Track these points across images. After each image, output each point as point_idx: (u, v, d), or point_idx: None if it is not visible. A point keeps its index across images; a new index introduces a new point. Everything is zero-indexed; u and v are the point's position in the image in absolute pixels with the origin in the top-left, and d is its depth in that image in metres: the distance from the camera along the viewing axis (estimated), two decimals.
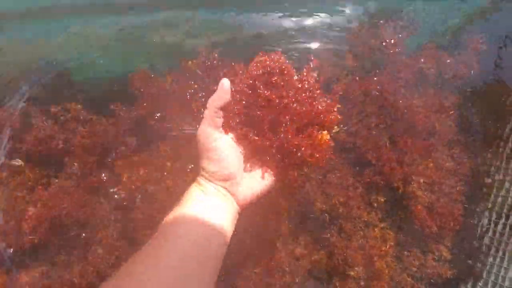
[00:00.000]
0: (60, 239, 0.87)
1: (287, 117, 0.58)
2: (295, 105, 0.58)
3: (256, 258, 0.88)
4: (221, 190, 0.57)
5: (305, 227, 0.90)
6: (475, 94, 0.97)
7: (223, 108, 0.58)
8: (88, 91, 1.00)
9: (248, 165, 0.61)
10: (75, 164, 0.89)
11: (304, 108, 0.58)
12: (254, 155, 0.61)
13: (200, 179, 0.59)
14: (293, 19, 1.10)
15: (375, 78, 0.98)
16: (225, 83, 0.57)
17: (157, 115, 0.97)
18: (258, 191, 0.60)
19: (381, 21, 1.04)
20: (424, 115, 0.95)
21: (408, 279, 0.89)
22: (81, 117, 0.96)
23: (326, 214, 0.90)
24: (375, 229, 0.89)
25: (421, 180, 0.90)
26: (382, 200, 0.90)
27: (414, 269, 0.89)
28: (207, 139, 0.57)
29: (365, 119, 0.94)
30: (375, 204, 0.90)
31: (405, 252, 0.90)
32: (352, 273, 0.86)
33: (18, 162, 0.89)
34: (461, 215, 0.89)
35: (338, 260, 0.86)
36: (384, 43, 1.03)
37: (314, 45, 1.05)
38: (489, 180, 0.91)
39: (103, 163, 0.92)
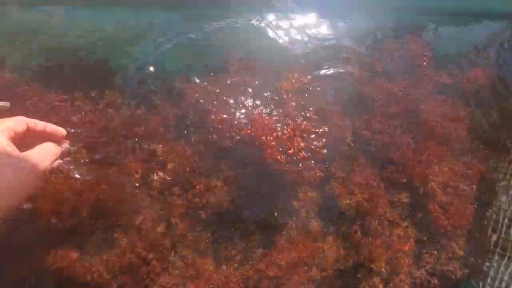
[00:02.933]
0: (97, 223, 0.86)
1: None
2: None
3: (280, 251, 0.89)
4: None
5: (332, 222, 0.92)
6: (489, 106, 1.06)
7: None
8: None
9: None
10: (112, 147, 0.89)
11: None
12: None
13: None
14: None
15: (401, 82, 1.04)
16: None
17: None
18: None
19: (407, 35, 1.13)
20: (441, 123, 1.03)
21: (424, 274, 0.94)
22: (120, 104, 0.98)
23: (352, 211, 0.93)
24: (398, 228, 0.93)
25: (438, 181, 0.96)
26: (405, 200, 0.95)
27: (430, 265, 0.94)
28: None
29: (389, 120, 0.99)
30: (398, 203, 0.94)
31: (422, 250, 0.95)
32: (375, 267, 0.89)
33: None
34: (472, 216, 0.96)
35: (364, 255, 0.89)
36: (409, 55, 1.10)
37: None
38: (500, 184, 0.99)
39: (140, 149, 0.92)
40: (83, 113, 0.95)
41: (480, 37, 1.17)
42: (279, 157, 0.94)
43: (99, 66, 1.07)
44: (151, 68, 1.08)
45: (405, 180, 0.94)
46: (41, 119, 0.67)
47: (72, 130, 0.88)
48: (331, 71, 1.06)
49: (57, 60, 1.06)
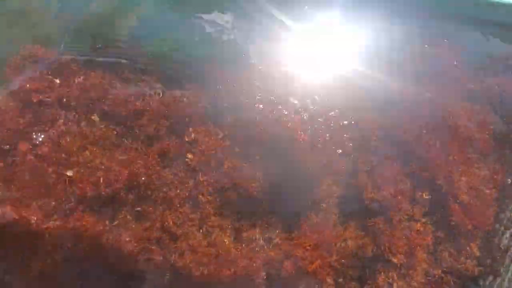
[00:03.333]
0: (130, 196, 0.88)
1: None
2: None
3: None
4: None
5: (354, 213, 0.95)
6: None
7: None
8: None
9: None
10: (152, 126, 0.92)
11: None
12: None
13: None
14: None
15: (430, 84, 1.06)
16: None
17: None
18: None
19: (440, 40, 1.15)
20: (467, 126, 1.05)
21: (440, 271, 0.96)
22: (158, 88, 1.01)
23: (376, 203, 0.95)
24: (418, 223, 0.96)
25: (461, 182, 0.99)
26: (427, 196, 0.97)
27: (446, 263, 0.97)
28: None
29: (416, 119, 1.01)
30: (420, 200, 0.97)
31: (440, 247, 0.97)
32: (395, 260, 0.91)
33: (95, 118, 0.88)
34: (493, 218, 0.98)
35: (384, 246, 0.92)
36: (438, 59, 1.13)
37: None
38: None
39: (175, 129, 0.96)
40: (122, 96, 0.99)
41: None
42: (307, 147, 0.97)
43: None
44: (186, 55, 1.12)
45: (429, 179, 0.97)
46: None
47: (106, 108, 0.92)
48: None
49: None
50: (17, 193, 0.80)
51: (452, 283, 0.94)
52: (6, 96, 0.86)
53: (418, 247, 0.93)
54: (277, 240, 0.90)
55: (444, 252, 0.97)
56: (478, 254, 0.97)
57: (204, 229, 0.90)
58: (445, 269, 0.96)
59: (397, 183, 0.97)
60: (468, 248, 0.98)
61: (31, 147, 0.84)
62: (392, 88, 1.07)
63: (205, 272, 0.83)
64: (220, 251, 0.87)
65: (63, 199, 0.83)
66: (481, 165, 1.01)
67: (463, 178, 0.99)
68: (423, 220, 0.96)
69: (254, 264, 0.87)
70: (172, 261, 0.85)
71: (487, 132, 1.05)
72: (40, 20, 1.09)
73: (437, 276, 0.95)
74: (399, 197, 0.95)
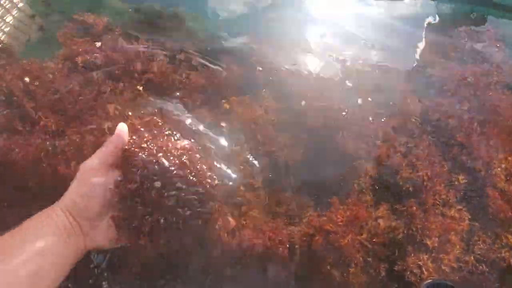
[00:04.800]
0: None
1: None
2: None
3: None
4: (75, 228, 0.56)
5: (388, 193, 0.94)
6: None
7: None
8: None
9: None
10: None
11: None
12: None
13: (58, 209, 0.56)
14: None
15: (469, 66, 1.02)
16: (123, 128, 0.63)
17: None
18: (107, 243, 0.60)
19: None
20: (509, 111, 1.00)
21: (472, 259, 0.94)
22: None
23: (410, 186, 0.94)
24: (455, 209, 0.93)
25: (501, 168, 0.95)
26: (463, 180, 0.94)
27: (480, 250, 0.94)
28: (90, 171, 0.58)
29: (459, 103, 0.98)
30: (458, 184, 0.94)
31: (475, 236, 0.95)
32: (428, 242, 0.90)
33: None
34: None
35: (417, 228, 0.90)
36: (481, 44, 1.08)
37: None
38: None
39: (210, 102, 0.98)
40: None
41: None
42: (347, 126, 0.96)
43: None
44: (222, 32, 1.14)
45: (468, 162, 0.94)
46: None
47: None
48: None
49: None
50: None
51: (486, 272, 0.92)
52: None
53: (453, 232, 0.91)
54: (308, 214, 0.91)
55: (479, 241, 0.94)
56: None
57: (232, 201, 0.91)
58: (480, 257, 0.93)
59: (435, 165, 0.94)
60: (506, 238, 0.95)
61: None
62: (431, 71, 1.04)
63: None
64: (247, 223, 0.88)
65: None
66: None
67: (504, 165, 0.95)
68: (460, 206, 0.94)
69: (281, 235, 0.87)
70: None
71: None
72: None
73: (470, 264, 0.92)
74: (436, 179, 0.93)
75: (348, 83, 1.02)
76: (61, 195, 0.60)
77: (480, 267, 0.92)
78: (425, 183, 0.92)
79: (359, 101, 0.99)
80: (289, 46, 1.10)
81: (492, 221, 0.95)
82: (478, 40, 1.15)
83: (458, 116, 0.98)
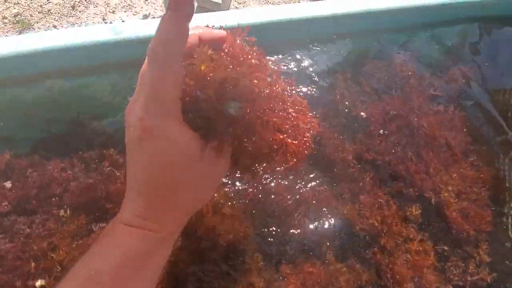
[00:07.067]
0: None
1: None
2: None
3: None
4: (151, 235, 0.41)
5: (350, 248, 0.91)
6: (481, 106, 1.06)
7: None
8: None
9: None
10: None
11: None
12: None
13: (129, 216, 0.41)
14: None
15: (389, 100, 1.05)
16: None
17: None
18: (190, 211, 0.45)
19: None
20: (439, 131, 1.03)
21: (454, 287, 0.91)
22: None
23: (366, 235, 0.92)
24: (414, 242, 0.92)
25: (449, 188, 0.96)
26: (417, 212, 0.94)
27: (457, 277, 0.91)
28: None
29: (388, 138, 1.00)
30: (411, 217, 0.93)
31: (446, 262, 0.93)
32: None
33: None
34: (492, 218, 0.94)
35: (387, 278, 0.87)
36: (393, 68, 1.13)
37: None
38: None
39: None
40: None
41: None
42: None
43: None
44: None
45: (415, 194, 0.94)
46: None
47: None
48: None
49: None
50: None
51: None
52: None
53: (424, 268, 0.88)
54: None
55: (453, 267, 0.91)
56: (488, 259, 0.92)
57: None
58: (460, 284, 0.90)
59: (384, 207, 0.94)
60: (478, 255, 0.93)
61: None
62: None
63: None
64: None
65: None
66: (465, 166, 0.99)
67: (451, 185, 0.96)
68: (421, 237, 0.92)
69: None
70: None
71: (461, 132, 1.03)
72: None
73: None
74: (389, 221, 0.92)
75: None
76: None
77: None
78: (379, 228, 0.91)
79: None
80: None
81: (459, 240, 0.94)
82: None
83: (392, 150, 0.99)
